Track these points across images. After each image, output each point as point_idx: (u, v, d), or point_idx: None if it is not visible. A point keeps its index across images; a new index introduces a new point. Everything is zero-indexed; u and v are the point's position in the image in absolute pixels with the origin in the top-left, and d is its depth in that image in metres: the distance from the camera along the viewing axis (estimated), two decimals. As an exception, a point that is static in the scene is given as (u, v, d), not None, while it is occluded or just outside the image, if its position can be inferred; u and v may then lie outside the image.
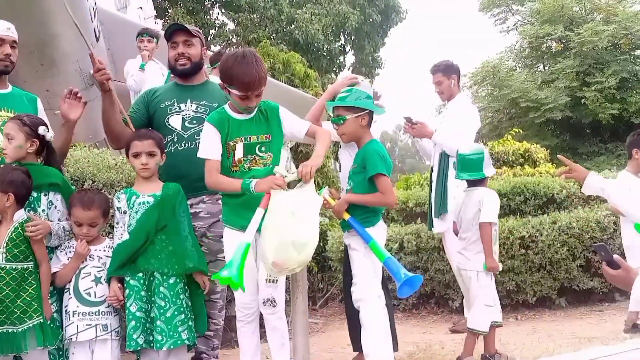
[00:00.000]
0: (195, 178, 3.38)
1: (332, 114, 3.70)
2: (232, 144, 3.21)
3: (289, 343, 3.34)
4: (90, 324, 3.18)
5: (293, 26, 20.49)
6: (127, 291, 3.25)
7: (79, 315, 3.19)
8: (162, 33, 5.71)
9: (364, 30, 22.60)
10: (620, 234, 5.62)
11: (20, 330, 2.99)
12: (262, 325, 3.31)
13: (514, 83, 21.56)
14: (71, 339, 3.16)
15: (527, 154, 8.69)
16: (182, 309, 3.28)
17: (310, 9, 20.89)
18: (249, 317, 3.29)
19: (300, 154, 6.93)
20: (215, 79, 4.63)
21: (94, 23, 7.25)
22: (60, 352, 3.24)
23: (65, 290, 3.26)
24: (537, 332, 4.99)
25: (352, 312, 3.72)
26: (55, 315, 3.20)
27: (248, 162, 3.21)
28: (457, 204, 4.22)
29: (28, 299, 3.04)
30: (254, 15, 20.87)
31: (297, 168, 3.12)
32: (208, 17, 21.43)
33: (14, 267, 3.04)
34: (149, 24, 9.50)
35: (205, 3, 21.77)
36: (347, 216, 3.45)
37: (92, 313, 3.21)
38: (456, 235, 4.31)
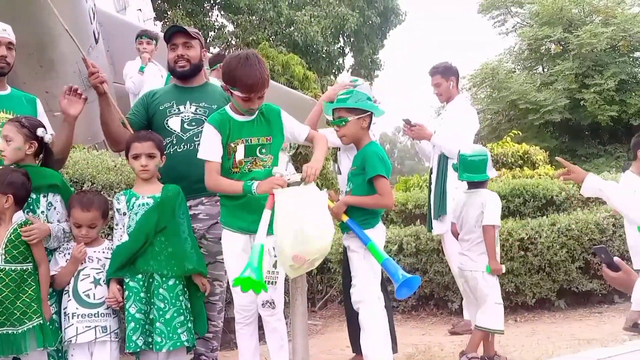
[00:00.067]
0: (195, 180, 3.38)
1: (331, 116, 3.71)
2: (233, 145, 3.21)
3: (288, 345, 3.34)
4: (90, 326, 3.18)
5: (292, 28, 20.50)
6: (126, 293, 3.25)
7: (78, 317, 3.18)
8: (161, 35, 5.71)
9: (363, 33, 22.62)
10: (619, 236, 5.65)
11: (20, 331, 2.99)
12: (261, 327, 3.31)
13: (513, 85, 21.59)
14: (70, 340, 3.16)
15: (526, 156, 8.68)
16: (181, 311, 3.28)
17: (310, 11, 20.91)
18: (248, 319, 3.29)
19: (299, 155, 6.93)
20: (214, 80, 4.64)
21: (93, 25, 7.25)
22: (60, 354, 3.23)
23: (65, 292, 3.25)
24: (536, 333, 4.99)
25: (352, 314, 3.72)
26: (54, 316, 3.20)
27: (249, 163, 3.21)
28: (457, 205, 4.21)
29: (27, 300, 3.03)
30: (253, 17, 20.89)
31: (296, 170, 3.12)
32: (207, 19, 21.45)
33: (13, 268, 3.03)
34: (148, 26, 9.51)
35: (205, 5, 21.78)
36: (345, 218, 3.46)
37: (92, 315, 3.20)
38: (454, 236, 4.30)
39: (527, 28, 23.54)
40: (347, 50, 23.68)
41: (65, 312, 3.21)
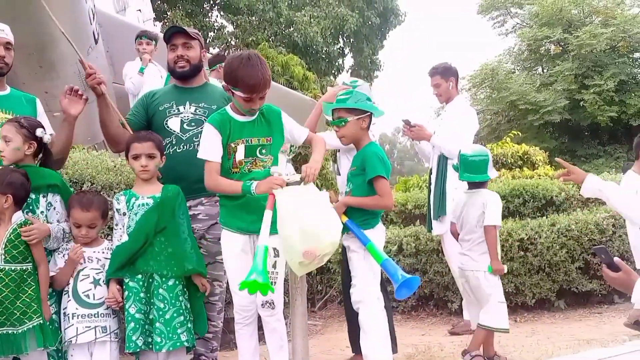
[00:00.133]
0: (194, 180, 3.38)
1: (331, 117, 3.71)
2: (233, 145, 3.21)
3: (288, 345, 3.34)
4: (90, 326, 3.18)
5: (292, 29, 20.52)
6: (126, 293, 3.25)
7: (78, 318, 3.18)
8: (161, 35, 5.71)
9: (362, 33, 22.64)
10: (619, 236, 5.65)
11: (20, 331, 2.99)
12: (260, 328, 3.31)
13: (513, 86, 21.60)
14: (71, 341, 3.15)
15: (525, 157, 8.68)
16: (181, 311, 3.28)
17: (309, 11, 20.92)
18: (248, 320, 3.29)
19: (299, 155, 6.92)
20: (214, 81, 4.64)
21: (93, 25, 7.26)
22: (60, 354, 3.23)
23: (64, 293, 3.25)
24: (536, 334, 4.99)
25: (352, 314, 3.72)
26: (54, 316, 3.20)
27: (249, 164, 3.22)
28: (457, 205, 4.20)
29: (27, 300, 3.03)
30: (253, 18, 20.90)
31: (295, 171, 3.13)
32: (207, 19, 21.46)
33: (12, 268, 3.03)
34: (147, 27, 9.52)
35: (204, 5, 21.79)
36: (344, 219, 3.45)
37: (91, 315, 3.20)
38: (454, 236, 4.29)
39: (527, 29, 23.56)
40: (346, 50, 23.70)
41: (65, 313, 3.21)
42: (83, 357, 3.18)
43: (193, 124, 3.70)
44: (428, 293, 5.98)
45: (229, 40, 21.06)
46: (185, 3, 20.50)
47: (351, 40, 23.08)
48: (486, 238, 3.95)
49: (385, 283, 3.82)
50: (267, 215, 2.96)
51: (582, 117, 21.06)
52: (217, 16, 22.27)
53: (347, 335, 4.21)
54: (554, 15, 22.07)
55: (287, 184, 3.00)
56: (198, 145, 3.33)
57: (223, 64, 6.02)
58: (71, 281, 3.24)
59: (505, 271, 4.07)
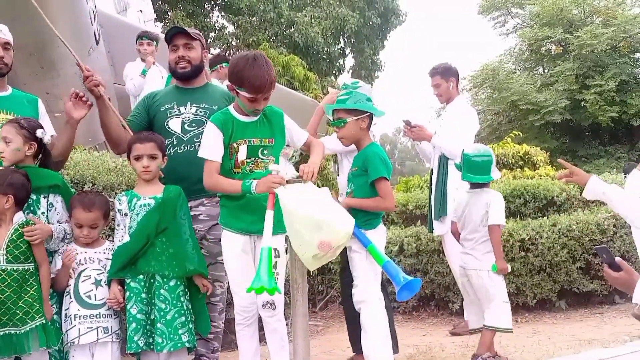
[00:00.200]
0: (195, 181, 3.38)
1: (332, 117, 3.71)
2: (235, 145, 3.21)
3: (289, 345, 3.34)
4: (92, 327, 3.18)
5: (293, 29, 20.52)
6: (127, 293, 3.25)
7: (80, 319, 3.18)
8: (162, 36, 5.71)
9: (363, 33, 22.63)
10: (620, 236, 5.65)
11: (22, 331, 2.99)
12: (261, 328, 3.31)
13: (514, 86, 21.60)
14: (73, 342, 3.15)
15: (526, 157, 8.66)
16: (182, 312, 3.28)
17: (310, 12, 20.93)
18: (248, 320, 3.29)
19: (300, 155, 6.93)
20: (214, 81, 4.64)
21: (94, 26, 7.25)
22: (61, 354, 3.23)
23: (66, 294, 3.25)
24: (537, 334, 4.99)
25: (351, 314, 3.72)
26: (54, 317, 3.20)
27: (250, 164, 3.22)
28: (459, 204, 4.20)
29: (30, 300, 3.03)
30: (254, 18, 20.91)
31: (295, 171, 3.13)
32: (208, 20, 21.46)
33: (15, 268, 3.03)
34: (148, 27, 9.52)
35: (205, 6, 21.79)
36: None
37: (93, 316, 3.20)
38: (454, 235, 4.28)
39: (528, 29, 23.56)
40: (347, 51, 23.69)
41: (67, 314, 3.21)
42: (84, 358, 3.17)
43: (194, 124, 3.70)
44: (429, 293, 5.98)
45: (230, 40, 21.06)
46: (186, 3, 20.51)
47: (352, 40, 23.07)
48: (491, 237, 3.95)
49: (385, 283, 3.82)
50: (269, 215, 2.96)
51: (583, 117, 21.07)
52: (218, 17, 22.28)
53: (347, 336, 4.20)
54: (554, 15, 22.07)
55: (287, 182, 3.00)
56: (199, 145, 3.33)
57: (224, 64, 6.07)
58: (72, 282, 3.24)
59: (510, 270, 4.07)
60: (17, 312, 2.99)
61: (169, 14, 20.37)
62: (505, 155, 8.46)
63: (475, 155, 4.07)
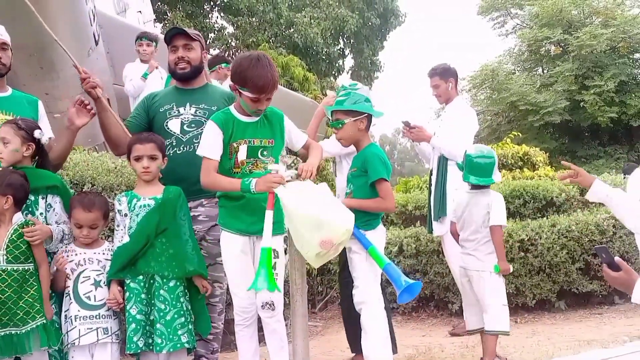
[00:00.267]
0: (194, 181, 3.37)
1: (330, 118, 3.71)
2: (235, 145, 3.21)
3: (288, 346, 3.34)
4: (92, 328, 3.18)
5: (292, 30, 20.53)
6: (127, 294, 3.25)
7: (80, 320, 3.18)
8: (161, 37, 5.70)
9: (362, 34, 22.65)
10: (620, 237, 5.65)
11: (23, 331, 2.98)
12: (261, 329, 3.31)
13: (513, 86, 21.62)
14: (73, 343, 3.15)
15: (526, 157, 8.68)
16: (182, 312, 3.28)
17: (309, 12, 20.93)
18: (248, 321, 3.29)
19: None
20: (214, 82, 4.64)
21: (93, 27, 7.26)
22: (61, 355, 3.23)
23: (65, 295, 3.25)
24: (536, 335, 4.99)
25: (349, 314, 3.72)
26: (54, 317, 3.20)
27: (250, 164, 3.22)
28: (459, 205, 4.17)
29: (30, 300, 3.03)
30: (253, 19, 20.92)
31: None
32: (207, 20, 21.47)
33: (15, 268, 3.03)
34: (148, 28, 9.52)
35: (205, 7, 21.80)
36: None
37: (93, 317, 3.20)
38: (453, 235, 4.28)
39: (527, 29, 23.59)
40: (347, 51, 23.71)
41: (67, 315, 3.21)
42: (84, 359, 3.17)
43: (193, 125, 3.70)
44: (429, 294, 5.98)
45: (229, 41, 21.07)
46: (186, 4, 20.52)
47: (351, 41, 23.09)
48: (493, 238, 3.95)
49: (384, 284, 3.82)
50: (269, 215, 2.96)
51: (583, 118, 21.08)
52: (217, 17, 22.30)
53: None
54: (554, 16, 22.09)
55: (286, 182, 3.01)
56: (198, 146, 3.33)
57: (223, 65, 6.07)
58: (72, 283, 3.23)
59: (512, 271, 4.07)
60: (18, 312, 2.99)
61: (169, 14, 20.39)
62: (504, 155, 8.46)
63: (477, 157, 4.04)
